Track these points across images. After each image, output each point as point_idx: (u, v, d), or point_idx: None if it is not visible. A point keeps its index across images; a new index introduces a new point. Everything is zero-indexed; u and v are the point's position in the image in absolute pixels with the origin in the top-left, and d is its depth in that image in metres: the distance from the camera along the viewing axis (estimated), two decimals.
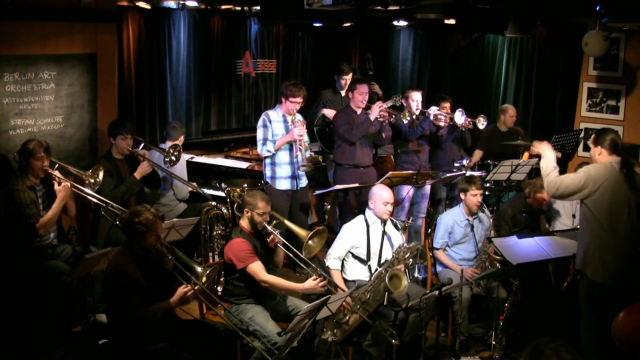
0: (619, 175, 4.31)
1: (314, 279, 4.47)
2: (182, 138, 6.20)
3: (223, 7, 7.47)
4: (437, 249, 5.51)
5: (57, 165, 5.03)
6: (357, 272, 5.07)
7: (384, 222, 5.12)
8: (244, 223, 4.65)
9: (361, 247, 5.07)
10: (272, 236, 4.61)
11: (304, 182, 6.29)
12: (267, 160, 6.16)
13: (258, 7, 7.54)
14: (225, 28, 7.74)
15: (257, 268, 4.47)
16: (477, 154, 7.53)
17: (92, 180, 5.21)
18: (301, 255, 4.58)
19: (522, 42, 8.29)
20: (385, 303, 4.73)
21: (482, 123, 6.66)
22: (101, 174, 5.24)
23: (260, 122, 6.14)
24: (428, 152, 6.88)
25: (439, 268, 5.58)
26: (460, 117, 6.55)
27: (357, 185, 6.15)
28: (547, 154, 4.65)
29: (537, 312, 5.35)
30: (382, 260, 5.03)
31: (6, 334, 4.81)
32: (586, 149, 7.44)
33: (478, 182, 5.43)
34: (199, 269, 4.32)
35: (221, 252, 5.17)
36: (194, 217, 5.64)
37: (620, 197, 4.29)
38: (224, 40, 7.76)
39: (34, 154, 4.88)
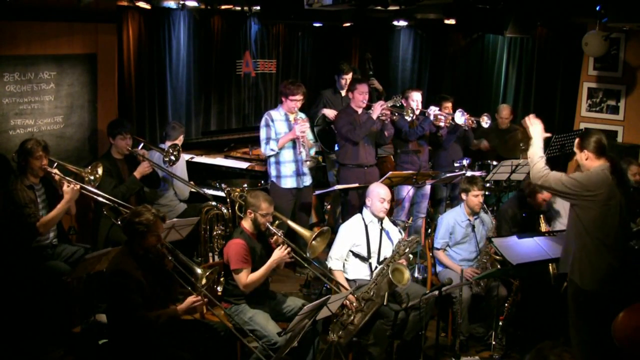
0: (612, 184, 4.18)
1: (279, 249, 4.50)
2: (181, 138, 6.20)
3: (223, 7, 7.47)
4: (438, 249, 5.51)
5: (55, 164, 5.03)
6: (358, 271, 5.08)
7: (381, 220, 5.12)
8: (246, 224, 4.65)
9: (361, 245, 5.07)
10: (275, 237, 4.61)
11: (308, 180, 6.32)
12: (272, 159, 6.19)
13: (258, 7, 7.54)
14: (225, 28, 7.74)
15: (241, 275, 4.46)
16: (484, 143, 7.50)
17: (92, 177, 5.21)
18: (305, 255, 4.58)
19: (522, 42, 8.29)
20: (385, 303, 4.73)
21: (485, 122, 6.64)
22: (100, 170, 5.25)
23: (262, 122, 6.18)
24: (428, 152, 6.88)
25: (439, 268, 5.58)
26: (460, 117, 6.54)
27: (357, 185, 6.15)
28: (535, 142, 4.48)
29: (537, 312, 5.35)
30: (382, 258, 5.03)
31: (6, 334, 4.81)
32: None
33: (480, 183, 5.43)
34: (199, 271, 4.32)
35: (221, 252, 5.17)
36: (194, 217, 5.64)
37: (613, 206, 4.19)
38: (224, 40, 7.76)
39: (33, 153, 4.88)
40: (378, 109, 6.20)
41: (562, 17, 7.22)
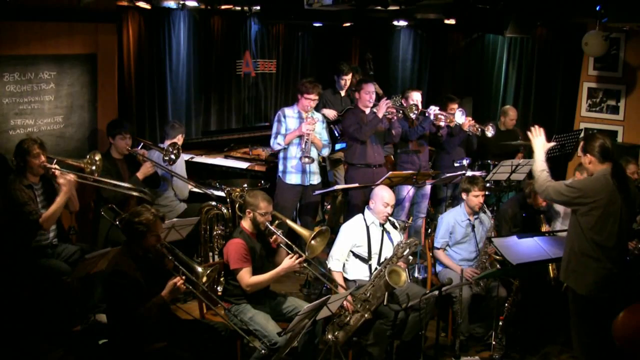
0: (613, 189, 4.17)
1: (290, 257, 4.49)
2: (180, 137, 6.20)
3: (223, 7, 7.47)
4: (438, 249, 5.51)
5: (55, 160, 5.04)
6: (358, 272, 5.07)
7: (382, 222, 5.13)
8: (246, 224, 4.65)
9: (362, 246, 5.07)
10: (274, 236, 4.61)
11: (315, 179, 6.33)
12: (280, 155, 6.28)
13: (258, 7, 7.54)
14: (225, 28, 7.74)
15: (243, 274, 4.47)
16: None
17: (94, 167, 5.23)
18: (304, 255, 4.58)
19: (522, 42, 8.29)
20: (385, 302, 4.73)
21: (490, 132, 6.64)
22: (97, 157, 5.26)
23: (275, 118, 6.30)
24: (428, 152, 6.88)
25: (438, 268, 5.58)
26: (460, 117, 6.55)
27: (356, 185, 6.16)
28: (537, 155, 4.47)
29: (537, 312, 5.35)
30: (383, 260, 5.03)
31: (6, 333, 4.81)
32: None
33: (480, 183, 5.42)
34: (199, 269, 4.32)
35: (221, 252, 5.17)
36: (194, 217, 5.64)
37: (613, 211, 4.18)
38: (224, 40, 7.76)
39: (30, 152, 4.89)
40: (383, 107, 6.21)
41: (562, 17, 7.22)
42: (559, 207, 5.97)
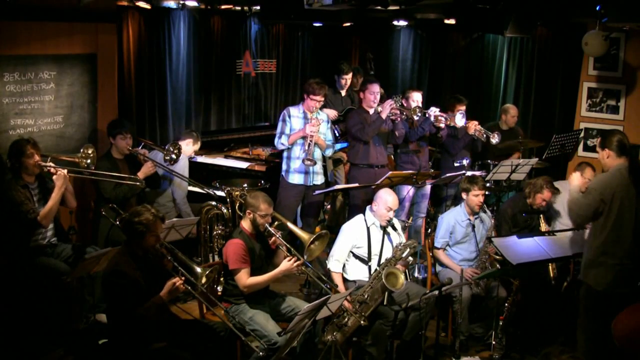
0: (628, 183, 4.26)
1: (289, 260, 4.49)
2: (189, 142, 6.27)
3: (223, 7, 7.47)
4: (438, 249, 5.51)
5: (49, 158, 5.06)
6: (358, 272, 5.07)
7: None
8: (245, 224, 4.65)
9: (363, 247, 5.07)
10: (273, 238, 4.61)
11: (319, 179, 6.34)
12: (284, 154, 6.29)
13: (258, 7, 7.54)
14: (225, 28, 7.74)
15: (241, 275, 4.47)
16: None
17: (89, 161, 5.25)
18: (302, 257, 4.58)
19: (522, 42, 8.29)
20: (385, 302, 4.73)
21: (495, 139, 6.63)
22: (91, 150, 5.28)
23: (280, 117, 6.30)
24: (428, 152, 6.88)
25: (438, 268, 5.58)
26: (460, 120, 6.55)
27: (356, 185, 6.16)
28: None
29: (537, 312, 5.35)
30: (383, 261, 5.02)
31: (6, 333, 4.81)
32: (586, 148, 7.44)
33: (480, 183, 5.42)
34: (199, 269, 4.32)
35: (221, 252, 5.17)
36: (194, 217, 5.64)
37: (629, 205, 4.25)
38: (224, 40, 7.76)
39: (24, 152, 4.90)
40: (387, 108, 6.21)
41: (562, 17, 7.21)
42: (559, 207, 5.97)
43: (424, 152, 6.75)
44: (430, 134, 6.72)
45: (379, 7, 5.91)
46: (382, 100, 7.27)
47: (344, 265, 5.10)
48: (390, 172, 5.97)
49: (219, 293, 5.05)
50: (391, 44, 9.65)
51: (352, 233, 5.09)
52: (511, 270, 4.85)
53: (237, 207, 5.52)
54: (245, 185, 6.03)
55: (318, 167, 6.31)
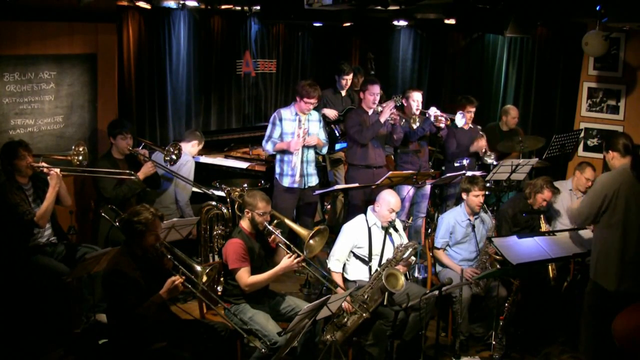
0: (633, 180, 4.29)
1: (289, 257, 4.49)
2: (195, 144, 6.30)
3: (223, 7, 7.47)
4: (438, 249, 5.51)
5: (41, 158, 5.07)
6: (359, 273, 5.07)
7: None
8: (244, 224, 4.65)
9: (364, 247, 5.06)
10: (273, 236, 4.61)
11: (313, 180, 6.31)
12: (277, 157, 6.24)
13: (258, 7, 7.54)
14: (225, 28, 7.74)
15: (242, 274, 4.47)
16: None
17: (80, 157, 5.26)
18: (302, 255, 4.58)
19: (522, 42, 8.29)
20: (385, 303, 4.73)
21: (493, 159, 6.73)
22: (82, 148, 5.29)
23: (270, 119, 6.24)
24: (428, 152, 6.88)
25: (438, 268, 5.58)
26: (460, 120, 6.55)
27: (356, 185, 6.15)
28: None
29: (537, 312, 5.35)
30: (384, 262, 5.02)
31: (6, 334, 4.81)
32: (586, 148, 7.44)
33: (480, 183, 5.42)
34: (199, 268, 4.32)
35: (221, 253, 5.17)
36: (194, 217, 5.63)
37: (635, 202, 4.27)
38: (224, 40, 7.76)
39: (16, 155, 4.92)
40: (387, 113, 6.20)
41: (562, 17, 7.21)
42: (559, 207, 5.97)
43: (424, 152, 6.75)
44: (430, 133, 6.73)
45: (379, 7, 5.91)
46: (382, 100, 7.28)
47: (344, 266, 5.10)
48: (390, 172, 5.97)
49: (219, 293, 5.05)
50: (391, 44, 9.65)
51: (353, 233, 5.09)
52: (511, 270, 4.85)
53: (236, 208, 5.51)
54: (245, 185, 6.03)
55: (312, 169, 6.28)
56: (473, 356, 5.13)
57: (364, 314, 4.62)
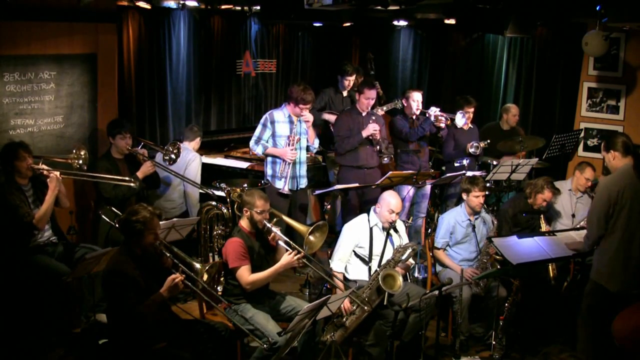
0: (635, 180, 4.28)
1: (289, 254, 4.48)
2: (198, 141, 6.32)
3: (223, 7, 7.47)
4: (438, 249, 5.51)
5: (41, 159, 5.07)
6: (359, 272, 5.07)
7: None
8: (244, 223, 4.65)
9: (365, 247, 5.06)
10: (273, 234, 4.60)
11: (303, 182, 6.30)
12: (269, 159, 6.20)
13: (258, 7, 7.54)
14: (225, 28, 7.74)
15: (242, 272, 4.47)
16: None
17: (80, 161, 5.27)
18: (303, 251, 4.57)
19: (522, 42, 8.29)
20: (385, 303, 4.72)
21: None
22: (83, 152, 5.30)
23: (261, 120, 6.21)
24: (428, 152, 6.88)
25: (438, 268, 5.58)
26: (461, 119, 6.54)
27: (356, 185, 6.15)
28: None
29: (537, 312, 5.35)
30: (384, 262, 5.02)
31: (6, 334, 4.81)
32: (586, 148, 7.44)
33: (481, 184, 5.42)
34: (198, 266, 4.32)
35: (221, 252, 5.17)
36: (194, 217, 5.63)
37: (637, 202, 4.26)
38: (224, 40, 7.76)
39: (16, 156, 4.91)
40: (370, 130, 6.27)
41: (562, 17, 7.21)
42: (559, 207, 5.97)
43: (424, 152, 6.75)
44: (430, 133, 6.73)
45: (379, 7, 5.91)
46: (381, 101, 7.29)
47: (345, 266, 5.09)
48: (390, 172, 5.97)
49: (219, 293, 5.04)
50: (391, 44, 9.64)
51: (355, 232, 5.09)
52: (511, 270, 4.84)
53: (235, 208, 5.51)
54: (246, 185, 6.03)
55: (303, 171, 6.28)
56: (473, 356, 5.13)
57: (365, 307, 4.60)
